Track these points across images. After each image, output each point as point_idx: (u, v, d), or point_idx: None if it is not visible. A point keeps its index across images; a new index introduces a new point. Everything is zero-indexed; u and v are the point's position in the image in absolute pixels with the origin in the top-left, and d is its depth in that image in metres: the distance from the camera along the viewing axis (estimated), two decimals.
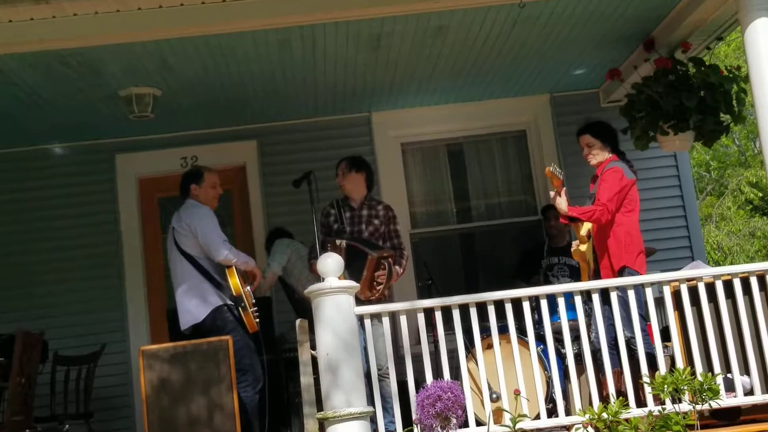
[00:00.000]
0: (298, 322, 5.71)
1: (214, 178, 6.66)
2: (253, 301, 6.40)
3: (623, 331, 5.66)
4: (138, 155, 8.68)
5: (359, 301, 5.93)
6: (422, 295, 7.91)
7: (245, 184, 8.74)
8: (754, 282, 5.66)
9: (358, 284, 5.59)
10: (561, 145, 8.69)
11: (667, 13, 6.97)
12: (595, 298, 5.68)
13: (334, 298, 5.29)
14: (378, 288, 6.37)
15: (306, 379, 5.51)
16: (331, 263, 5.38)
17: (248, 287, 6.40)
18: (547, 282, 7.62)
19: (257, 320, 6.31)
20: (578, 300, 5.70)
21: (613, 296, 5.65)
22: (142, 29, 5.89)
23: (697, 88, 6.83)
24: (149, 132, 8.46)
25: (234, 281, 6.27)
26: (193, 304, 6.35)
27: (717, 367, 5.53)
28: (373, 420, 5.38)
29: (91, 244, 8.52)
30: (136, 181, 8.76)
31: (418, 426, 5.00)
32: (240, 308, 6.25)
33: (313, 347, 5.46)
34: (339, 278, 5.39)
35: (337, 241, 6.40)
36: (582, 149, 6.45)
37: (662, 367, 5.51)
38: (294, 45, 6.85)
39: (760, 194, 22.02)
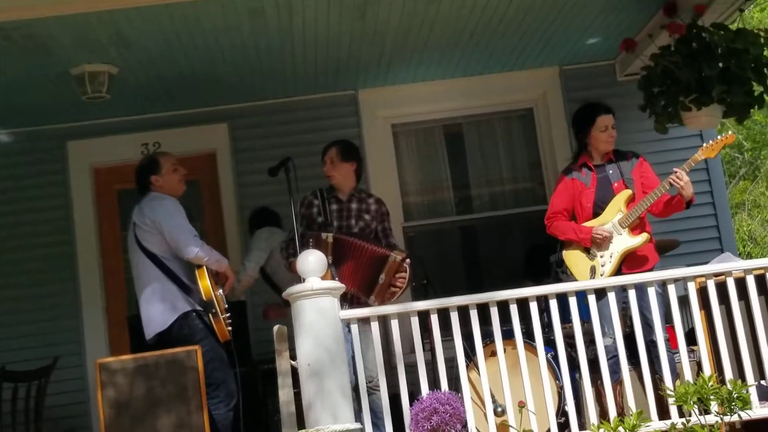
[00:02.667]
0: (275, 328, 5.71)
1: (172, 161, 6.66)
2: (226, 306, 6.40)
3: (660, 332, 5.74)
4: (93, 142, 8.67)
5: (349, 305, 5.97)
6: (417, 296, 7.87)
7: (215, 172, 8.74)
8: None
9: (343, 286, 5.59)
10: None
11: None
12: (611, 296, 5.71)
13: (317, 301, 5.30)
14: (395, 293, 6.42)
15: (285, 392, 5.52)
16: (312, 261, 5.39)
17: (220, 290, 6.39)
18: (558, 281, 7.63)
19: (230, 328, 6.31)
20: (592, 300, 5.72)
21: (652, 291, 5.69)
22: None
23: (721, 55, 6.84)
24: (105, 115, 8.45)
25: (204, 283, 6.27)
26: (158, 310, 6.35)
27: (749, 373, 5.56)
28: None
29: (40, 243, 8.52)
30: (90, 170, 8.75)
31: None
32: (210, 314, 6.25)
33: (294, 357, 5.46)
34: (322, 278, 5.40)
35: (323, 235, 6.39)
36: (604, 130, 6.48)
37: (687, 374, 5.53)
38: (268, 14, 6.83)
39: None
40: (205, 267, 6.31)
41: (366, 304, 6.22)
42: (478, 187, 9.13)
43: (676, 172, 6.11)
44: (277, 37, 7.32)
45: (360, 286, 6.38)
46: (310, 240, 6.35)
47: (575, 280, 6.39)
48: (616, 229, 6.28)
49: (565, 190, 6.56)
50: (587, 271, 6.36)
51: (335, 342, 5.28)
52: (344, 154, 6.73)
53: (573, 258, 6.51)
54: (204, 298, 6.26)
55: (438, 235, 9.00)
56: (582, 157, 6.59)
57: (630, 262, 6.27)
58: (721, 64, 6.85)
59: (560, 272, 7.74)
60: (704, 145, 6.23)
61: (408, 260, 6.47)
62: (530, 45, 8.26)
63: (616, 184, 6.42)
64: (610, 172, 6.47)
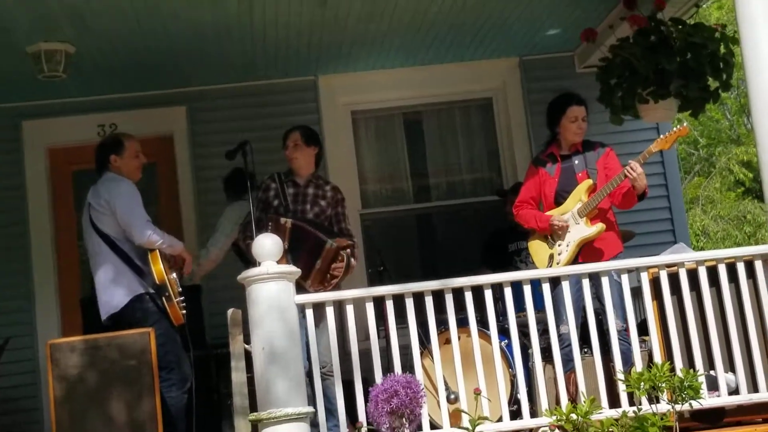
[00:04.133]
0: (230, 312, 5.68)
1: (136, 146, 6.61)
2: (179, 290, 6.37)
3: (615, 321, 5.76)
4: (48, 122, 8.58)
5: (300, 289, 5.94)
6: (373, 283, 7.92)
7: (172, 155, 8.69)
8: (741, 268, 5.75)
9: (299, 270, 5.57)
10: (531, 115, 8.72)
11: None
12: (565, 285, 5.75)
13: (272, 285, 5.27)
14: (332, 282, 6.40)
15: (238, 375, 5.50)
16: (269, 244, 5.36)
17: (174, 274, 6.36)
18: (516, 269, 7.66)
19: (184, 311, 6.28)
20: (546, 288, 5.74)
21: (606, 281, 5.73)
22: None
23: (680, 50, 6.89)
24: (61, 95, 8.36)
25: (158, 267, 6.23)
26: (111, 293, 6.30)
27: (699, 363, 5.61)
28: (314, 423, 5.39)
29: None
30: (45, 151, 8.67)
31: (369, 424, 5.02)
32: (164, 298, 6.21)
33: (248, 341, 5.44)
34: (278, 262, 5.38)
35: (282, 220, 6.38)
36: (574, 120, 6.50)
37: (639, 364, 5.57)
38: None
39: (752, 174, 22.32)
40: (158, 250, 6.28)
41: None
42: (436, 175, 9.15)
43: (630, 164, 6.16)
44: (237, 21, 7.27)
45: (303, 273, 6.38)
46: (269, 223, 6.33)
47: (536, 268, 6.43)
48: (575, 219, 6.31)
49: (532, 179, 6.59)
50: (546, 260, 6.39)
51: (290, 327, 5.26)
52: (307, 138, 6.73)
53: (535, 246, 6.54)
54: (157, 281, 6.22)
55: (395, 223, 9.00)
56: (551, 146, 6.62)
57: (588, 251, 6.31)
58: (678, 59, 6.90)
59: (518, 261, 7.79)
60: (659, 137, 6.27)
61: (348, 249, 6.46)
62: (490, 35, 8.27)
63: (579, 174, 6.45)
64: (576, 162, 6.49)
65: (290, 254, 6.22)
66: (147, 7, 6.78)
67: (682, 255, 6.01)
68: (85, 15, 6.79)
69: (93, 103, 8.55)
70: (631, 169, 6.11)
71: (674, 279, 5.74)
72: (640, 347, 5.79)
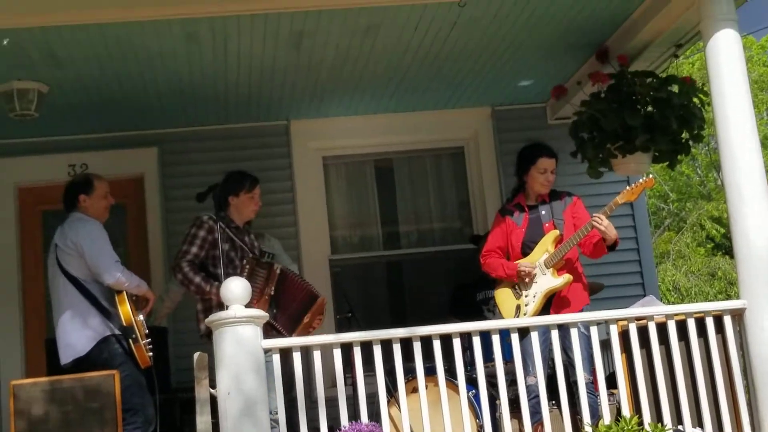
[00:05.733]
0: (196, 355, 5.64)
1: (105, 187, 6.62)
2: (146, 331, 6.34)
3: (583, 373, 5.77)
4: (18, 160, 8.54)
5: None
6: (341, 329, 7.88)
7: (142, 197, 8.67)
8: (710, 323, 5.78)
9: (266, 315, 5.55)
10: (503, 165, 8.76)
11: (623, 21, 7.12)
12: (534, 335, 5.75)
13: (239, 329, 5.26)
14: (309, 333, 6.48)
15: (203, 420, 5.44)
16: (239, 287, 5.35)
17: (141, 315, 6.33)
18: (484, 319, 7.66)
19: (150, 354, 6.24)
20: (515, 338, 5.74)
21: (575, 333, 5.74)
22: (28, 12, 5.84)
23: (646, 103, 6.97)
24: (32, 134, 8.33)
25: (125, 309, 6.21)
26: (76, 336, 6.27)
27: (667, 417, 5.61)
28: None
29: None
30: (14, 190, 8.63)
31: None
32: (131, 340, 6.17)
33: (213, 385, 5.40)
34: (258, 308, 5.41)
35: (275, 266, 6.44)
36: (543, 172, 6.54)
37: (607, 417, 5.57)
38: (203, 40, 6.81)
39: (723, 230, 22.51)
40: (125, 292, 6.24)
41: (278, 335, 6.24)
42: (406, 223, 9.16)
43: (596, 216, 6.20)
44: (211, 64, 7.29)
45: (286, 323, 6.43)
46: (246, 266, 6.32)
47: (503, 318, 6.43)
48: (542, 269, 6.34)
49: (499, 228, 6.61)
50: (513, 310, 6.40)
51: (256, 371, 5.23)
52: None
53: (502, 296, 6.55)
54: (124, 323, 6.19)
55: (364, 269, 8.99)
56: (518, 196, 6.66)
57: (557, 302, 6.32)
58: (644, 112, 6.97)
59: (486, 310, 7.79)
60: (625, 189, 6.32)
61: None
62: (464, 85, 8.33)
63: (546, 225, 6.48)
64: (543, 212, 6.53)
65: (276, 303, 6.29)
66: (121, 48, 6.77)
67: (652, 308, 6.05)
68: (60, 56, 6.79)
69: (64, 142, 8.52)
70: (598, 221, 6.16)
71: (643, 332, 5.76)
72: (609, 400, 5.79)
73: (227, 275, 5.96)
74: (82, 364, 6.21)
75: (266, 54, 7.19)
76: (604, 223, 6.16)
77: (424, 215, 9.16)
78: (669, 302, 19.79)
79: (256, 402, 5.19)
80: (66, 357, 6.30)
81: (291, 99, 8.29)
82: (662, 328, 5.76)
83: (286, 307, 6.43)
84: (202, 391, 5.53)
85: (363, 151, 9.09)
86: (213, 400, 5.44)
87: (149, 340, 6.31)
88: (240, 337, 5.25)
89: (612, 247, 6.33)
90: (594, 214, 6.22)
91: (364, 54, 7.38)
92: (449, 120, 8.98)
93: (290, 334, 6.36)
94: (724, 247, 22.94)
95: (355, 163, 9.15)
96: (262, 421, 5.20)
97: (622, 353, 5.81)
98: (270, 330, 6.48)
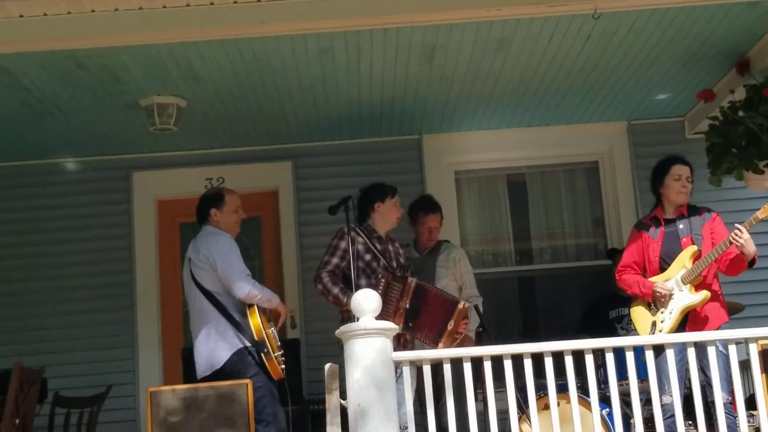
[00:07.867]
0: (327, 366, 5.67)
1: (237, 201, 6.70)
2: (278, 344, 6.39)
3: (721, 393, 5.59)
4: (158, 173, 8.77)
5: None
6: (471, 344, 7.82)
7: (276, 210, 8.79)
8: None
9: (397, 326, 5.55)
10: (638, 181, 8.60)
11: (765, 33, 6.90)
12: (670, 353, 5.59)
13: (369, 341, 5.25)
14: (456, 339, 6.47)
15: (333, 430, 5.46)
16: (369, 299, 5.36)
17: (272, 328, 6.38)
18: (615, 336, 7.51)
19: (283, 366, 6.30)
20: (650, 356, 5.60)
21: (712, 351, 5.56)
22: (167, 29, 5.97)
23: None
24: (171, 148, 8.56)
25: (255, 322, 6.27)
26: (211, 349, 6.36)
27: None
28: None
29: (100, 272, 8.60)
30: (154, 202, 8.84)
31: None
32: (263, 354, 6.24)
33: (345, 396, 5.42)
34: (395, 323, 5.43)
35: (409, 280, 6.49)
36: (678, 179, 6.41)
37: None
38: (337, 54, 6.87)
39: None
40: (256, 305, 6.32)
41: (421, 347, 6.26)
42: (539, 238, 9.06)
43: (736, 229, 6.01)
44: (344, 78, 7.35)
45: (429, 334, 6.48)
46: (382, 279, 6.37)
47: (638, 334, 6.29)
48: (678, 285, 6.18)
49: (635, 243, 6.47)
50: (649, 327, 6.26)
51: (386, 383, 5.22)
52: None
53: (638, 313, 6.42)
54: (255, 337, 6.25)
55: (496, 285, 8.91)
56: (655, 210, 6.51)
57: (693, 319, 6.15)
58: None
59: (619, 328, 7.65)
60: (765, 205, 6.11)
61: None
62: (598, 98, 8.21)
63: (684, 239, 6.31)
64: (680, 226, 6.36)
65: (410, 314, 6.30)
66: (256, 61, 6.87)
67: None
68: (197, 70, 6.93)
69: (201, 156, 8.72)
70: (737, 234, 5.97)
71: None
72: (748, 421, 5.59)
73: (367, 286, 6.00)
74: (217, 375, 6.28)
75: (398, 68, 7.22)
76: (744, 236, 5.97)
77: (557, 230, 9.05)
78: None
79: (385, 413, 5.17)
80: (203, 370, 6.40)
81: (423, 113, 8.30)
82: None
83: (426, 319, 6.45)
84: (332, 402, 5.54)
85: (495, 165, 9.05)
86: (343, 412, 5.46)
87: (282, 352, 6.36)
88: (370, 348, 5.23)
89: (751, 264, 6.13)
90: (736, 225, 6.03)
91: (496, 67, 7.34)
92: (583, 134, 8.87)
93: (435, 345, 6.38)
94: None
95: (487, 177, 9.10)
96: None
97: (762, 373, 5.60)
98: (408, 343, 6.54)
